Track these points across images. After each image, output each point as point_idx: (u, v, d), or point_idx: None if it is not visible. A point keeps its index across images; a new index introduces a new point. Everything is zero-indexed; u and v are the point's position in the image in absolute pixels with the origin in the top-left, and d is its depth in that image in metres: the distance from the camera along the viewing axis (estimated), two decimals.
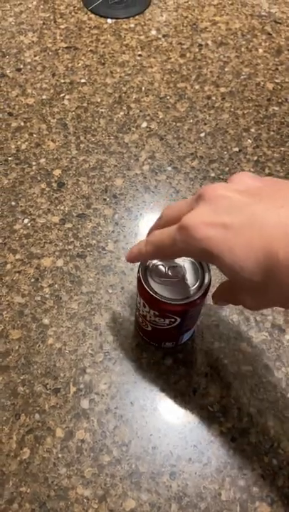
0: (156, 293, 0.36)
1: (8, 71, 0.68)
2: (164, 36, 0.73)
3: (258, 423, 0.41)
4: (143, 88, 0.66)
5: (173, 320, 0.38)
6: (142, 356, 0.45)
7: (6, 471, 0.39)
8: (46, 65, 0.69)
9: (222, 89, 0.66)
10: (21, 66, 0.68)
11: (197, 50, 0.71)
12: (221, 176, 0.57)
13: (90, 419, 0.41)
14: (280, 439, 0.41)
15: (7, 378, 0.43)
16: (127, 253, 0.36)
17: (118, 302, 0.47)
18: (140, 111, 0.63)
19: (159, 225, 0.34)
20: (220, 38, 0.73)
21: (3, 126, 0.62)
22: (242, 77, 0.68)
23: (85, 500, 0.38)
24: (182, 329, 0.41)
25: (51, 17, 0.75)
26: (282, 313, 0.47)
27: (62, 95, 0.65)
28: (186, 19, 0.75)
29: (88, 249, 0.51)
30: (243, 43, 0.72)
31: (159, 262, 0.38)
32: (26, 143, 0.60)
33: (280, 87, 0.67)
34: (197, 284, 0.37)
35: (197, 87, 0.66)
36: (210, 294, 0.37)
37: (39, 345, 0.45)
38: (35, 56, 0.70)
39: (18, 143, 0.60)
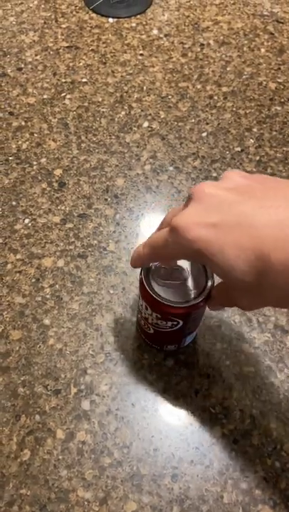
0: (158, 295, 0.36)
1: (9, 70, 0.67)
2: (165, 36, 0.73)
3: (261, 425, 0.41)
4: (144, 88, 0.66)
5: (175, 323, 0.38)
6: (144, 357, 0.44)
7: (6, 473, 0.38)
8: (47, 65, 0.68)
9: (224, 89, 0.66)
10: (22, 65, 0.68)
11: (199, 49, 0.71)
12: None
13: (90, 420, 0.41)
14: (283, 441, 0.40)
15: (7, 379, 0.43)
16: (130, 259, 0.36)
17: (119, 303, 0.47)
18: (142, 110, 0.63)
19: (159, 228, 0.34)
20: (222, 37, 0.73)
21: (4, 125, 0.61)
22: (244, 76, 0.67)
23: (86, 503, 0.37)
24: (185, 332, 0.40)
25: (52, 16, 0.75)
26: (285, 314, 0.47)
27: (63, 95, 0.65)
28: (188, 18, 0.75)
29: (89, 249, 0.51)
30: (245, 42, 0.72)
31: (162, 265, 0.38)
32: (27, 142, 0.60)
33: (282, 87, 0.66)
34: (200, 286, 0.36)
35: (199, 86, 0.66)
36: None
37: (40, 346, 0.44)
38: (36, 55, 0.69)
39: (19, 142, 0.60)
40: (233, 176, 0.29)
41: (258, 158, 0.59)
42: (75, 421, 0.41)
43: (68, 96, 0.64)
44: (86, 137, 0.60)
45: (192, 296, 0.36)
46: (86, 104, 0.64)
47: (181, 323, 0.38)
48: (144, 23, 0.74)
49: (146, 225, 0.53)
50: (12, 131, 0.61)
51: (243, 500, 0.38)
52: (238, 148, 0.59)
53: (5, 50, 0.70)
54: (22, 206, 0.54)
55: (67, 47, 0.71)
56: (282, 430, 0.41)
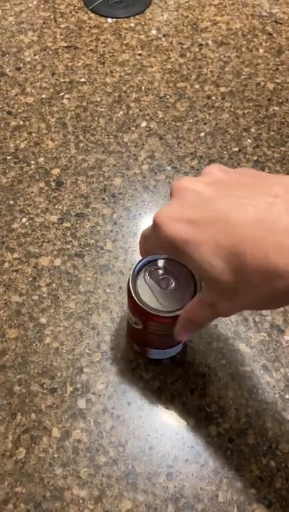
0: (140, 299, 0.35)
1: (7, 70, 0.68)
2: (164, 36, 0.73)
3: (256, 424, 0.41)
4: (143, 87, 0.66)
5: (141, 326, 0.37)
6: (140, 356, 0.44)
7: (1, 471, 0.39)
8: (46, 64, 0.68)
9: (222, 89, 0.66)
10: (21, 65, 0.68)
11: (197, 49, 0.71)
12: None
13: (86, 419, 0.41)
14: (278, 441, 0.40)
15: (3, 377, 0.43)
16: None
17: (116, 302, 0.47)
18: (140, 110, 0.63)
19: None
20: (220, 37, 0.73)
21: (2, 125, 0.61)
22: (242, 76, 0.68)
23: (81, 501, 0.37)
24: (152, 341, 0.40)
25: (51, 16, 0.75)
26: (282, 314, 0.47)
27: (61, 94, 0.65)
28: (187, 19, 0.75)
29: (86, 248, 0.51)
30: (244, 42, 0.72)
31: (152, 271, 0.37)
32: (25, 142, 0.60)
33: (280, 87, 0.66)
34: (184, 300, 0.35)
35: (197, 86, 0.66)
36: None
37: (36, 345, 0.45)
38: (35, 55, 0.70)
39: (17, 142, 0.60)
40: (213, 170, 0.29)
41: (255, 158, 0.59)
42: (70, 419, 0.41)
43: (67, 96, 0.65)
44: (84, 137, 0.60)
45: (170, 307, 0.35)
46: (84, 103, 0.64)
47: (148, 327, 0.37)
48: (143, 23, 0.75)
49: (144, 225, 0.53)
50: (10, 131, 0.61)
51: (238, 499, 0.38)
52: (236, 148, 0.60)
53: (4, 49, 0.70)
54: (19, 205, 0.54)
55: (66, 47, 0.71)
56: (278, 429, 0.41)
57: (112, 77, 0.67)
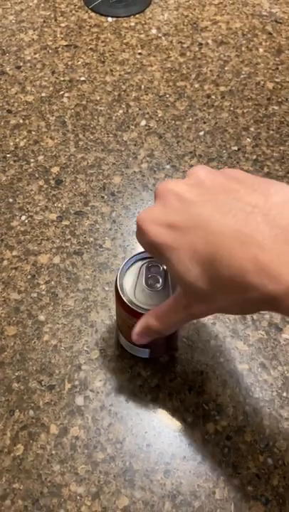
0: (127, 298, 0.36)
1: (7, 68, 0.68)
2: (164, 35, 0.73)
3: (254, 422, 0.41)
4: (142, 86, 0.66)
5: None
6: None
7: None
8: (46, 63, 0.69)
9: (222, 88, 0.66)
10: (21, 64, 0.68)
11: (197, 49, 0.71)
12: None
13: (84, 416, 0.41)
14: (276, 439, 0.40)
15: (2, 374, 0.43)
16: None
17: (114, 300, 0.47)
18: (139, 109, 0.63)
19: None
20: (220, 37, 0.73)
21: (2, 123, 0.62)
22: (242, 76, 0.68)
23: (78, 498, 0.38)
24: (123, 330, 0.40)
25: (52, 15, 0.75)
26: None
27: (61, 93, 0.65)
28: (187, 18, 0.75)
29: (85, 246, 0.51)
30: (244, 42, 0.72)
31: (145, 267, 0.38)
32: (25, 140, 0.60)
33: (280, 87, 0.66)
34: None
35: (197, 85, 0.66)
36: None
37: (34, 342, 0.45)
38: (35, 54, 0.70)
39: (17, 140, 0.60)
40: (199, 172, 0.28)
41: (254, 157, 0.59)
42: (68, 416, 0.41)
43: (66, 94, 0.65)
44: (84, 135, 0.60)
45: (147, 304, 0.36)
46: (84, 102, 0.64)
47: (122, 316, 0.38)
48: (143, 22, 0.75)
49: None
50: (10, 129, 0.61)
51: (235, 496, 0.38)
52: (235, 147, 0.60)
53: (4, 48, 0.70)
54: (19, 203, 0.54)
55: (66, 45, 0.71)
56: (275, 427, 0.41)
57: (112, 76, 0.67)
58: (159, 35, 0.73)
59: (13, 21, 0.74)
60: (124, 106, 0.64)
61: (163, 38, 0.72)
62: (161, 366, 0.44)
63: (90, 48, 0.71)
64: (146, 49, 0.71)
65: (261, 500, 0.38)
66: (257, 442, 0.40)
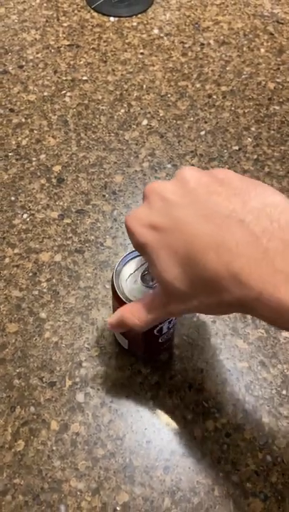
0: (123, 294, 0.37)
1: (10, 68, 0.68)
2: (166, 35, 0.73)
3: (253, 419, 0.41)
4: (144, 86, 0.66)
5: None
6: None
7: (0, 463, 0.39)
8: (48, 62, 0.69)
9: (223, 88, 0.66)
10: (23, 63, 0.69)
11: (199, 49, 0.71)
12: None
13: (85, 412, 0.41)
14: (275, 436, 0.41)
15: (3, 371, 0.43)
16: None
17: None
18: (141, 108, 0.64)
19: None
20: (222, 37, 0.73)
21: (5, 122, 0.62)
22: (243, 76, 0.68)
23: (79, 493, 0.38)
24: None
25: (54, 15, 0.76)
26: None
27: (63, 92, 0.65)
28: (189, 18, 0.76)
29: (86, 244, 0.51)
30: (245, 42, 0.72)
31: (135, 268, 0.38)
32: (27, 139, 0.60)
33: (281, 87, 0.67)
34: None
35: (198, 85, 0.67)
36: None
37: (36, 339, 0.45)
38: (37, 53, 0.70)
39: (19, 139, 0.60)
40: (185, 173, 0.28)
41: (255, 156, 0.59)
42: (69, 413, 0.41)
43: (68, 93, 0.65)
44: (85, 134, 0.61)
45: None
46: (86, 101, 0.64)
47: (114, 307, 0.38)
48: (145, 22, 0.75)
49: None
50: (12, 128, 0.61)
51: (234, 492, 0.38)
52: (236, 147, 0.60)
53: (6, 47, 0.71)
54: (21, 201, 0.54)
55: (68, 45, 0.71)
56: (274, 425, 0.41)
57: (114, 76, 0.67)
58: (161, 35, 0.73)
59: (16, 21, 0.74)
60: (125, 105, 0.64)
61: (165, 37, 0.73)
62: (161, 364, 0.44)
63: (92, 48, 0.71)
64: (148, 49, 0.71)
65: (260, 497, 0.38)
66: (256, 439, 0.40)
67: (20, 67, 0.68)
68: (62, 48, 0.71)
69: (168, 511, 0.37)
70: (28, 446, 0.40)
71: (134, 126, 0.62)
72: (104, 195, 0.55)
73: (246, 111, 0.64)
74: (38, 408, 0.41)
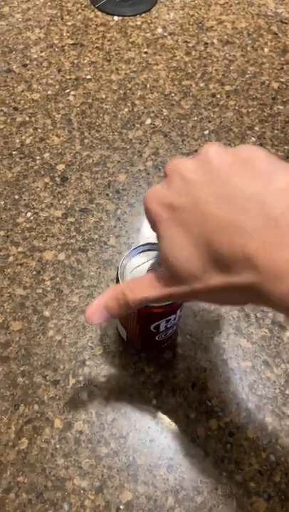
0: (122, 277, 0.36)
1: (14, 66, 0.68)
2: (170, 34, 0.73)
3: (256, 419, 0.41)
4: (148, 85, 0.66)
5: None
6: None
7: (3, 461, 0.39)
8: (52, 61, 0.69)
9: (227, 88, 0.66)
10: (27, 62, 0.69)
11: (203, 48, 0.71)
12: None
13: (88, 411, 0.41)
14: (278, 436, 0.41)
15: (7, 369, 0.43)
16: None
17: None
18: (145, 107, 0.64)
19: None
20: (226, 36, 0.73)
21: (9, 120, 0.62)
22: (247, 75, 0.68)
23: (82, 492, 0.38)
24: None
25: (58, 14, 0.76)
26: None
27: (67, 91, 0.65)
28: (193, 18, 0.76)
29: (90, 243, 0.51)
30: (249, 42, 0.72)
31: (140, 263, 0.38)
32: (31, 137, 0.60)
33: (285, 86, 0.67)
34: None
35: (202, 84, 0.66)
36: None
37: (39, 337, 0.45)
38: (41, 52, 0.70)
39: (23, 137, 0.60)
40: (209, 151, 0.27)
41: None
42: (72, 411, 0.41)
43: (72, 92, 0.65)
44: (89, 133, 0.61)
45: None
46: (90, 100, 0.64)
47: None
48: (149, 21, 0.75)
49: (147, 221, 0.53)
50: (16, 126, 0.61)
51: (237, 492, 0.38)
52: None
53: (11, 46, 0.71)
54: (24, 200, 0.55)
55: (72, 44, 0.71)
56: (278, 424, 0.41)
57: (118, 75, 0.67)
58: (165, 34, 0.73)
59: (20, 19, 0.75)
60: (129, 104, 0.64)
61: (169, 37, 0.73)
62: (164, 362, 0.44)
63: (96, 47, 0.71)
64: (151, 48, 0.71)
65: (263, 497, 0.38)
66: (259, 439, 0.40)
67: (25, 65, 0.68)
68: (66, 47, 0.71)
69: (171, 510, 0.37)
70: (31, 444, 0.40)
71: (138, 125, 0.62)
72: (107, 194, 0.55)
73: (250, 110, 0.64)
74: (42, 406, 0.41)
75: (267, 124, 0.62)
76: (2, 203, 0.54)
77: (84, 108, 0.63)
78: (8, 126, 0.61)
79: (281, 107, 0.64)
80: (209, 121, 0.62)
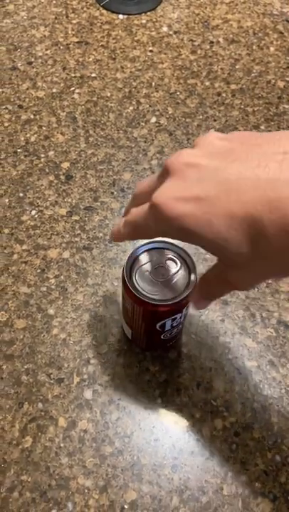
0: (136, 290, 0.36)
1: (19, 64, 0.68)
2: (175, 33, 0.73)
3: (262, 419, 0.41)
4: (153, 83, 0.66)
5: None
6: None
7: (7, 459, 0.39)
8: (57, 59, 0.69)
9: (232, 86, 0.66)
10: (32, 59, 0.69)
11: (208, 47, 0.71)
12: None
13: (92, 409, 0.41)
14: (284, 436, 0.40)
15: (11, 367, 0.43)
16: (110, 233, 0.34)
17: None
18: (150, 106, 0.63)
19: (133, 204, 0.31)
20: (231, 35, 0.73)
21: (13, 118, 0.62)
22: (253, 74, 0.68)
23: (86, 491, 0.38)
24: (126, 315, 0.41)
25: (63, 12, 0.76)
26: None
27: (72, 89, 0.65)
28: (198, 16, 0.75)
29: (95, 241, 0.51)
30: (255, 41, 0.72)
31: (152, 257, 0.38)
32: (35, 135, 0.60)
33: None
34: (176, 289, 0.36)
35: (207, 83, 0.66)
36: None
37: (44, 335, 0.45)
38: (46, 50, 0.70)
39: (28, 135, 0.60)
40: (210, 139, 0.26)
41: None
42: (77, 410, 0.41)
43: (77, 90, 0.65)
44: (94, 131, 0.61)
45: (159, 296, 0.36)
46: (95, 98, 0.64)
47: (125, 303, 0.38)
48: (154, 20, 0.75)
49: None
50: (21, 124, 0.61)
51: (242, 492, 0.38)
52: None
53: (16, 44, 0.71)
54: (29, 198, 0.54)
55: (77, 42, 0.71)
56: (283, 424, 0.41)
57: (123, 73, 0.67)
58: (170, 32, 0.73)
59: (25, 17, 0.74)
60: (134, 103, 0.64)
61: (174, 35, 0.72)
62: (169, 362, 0.44)
63: (101, 45, 0.71)
64: (157, 46, 0.71)
65: (269, 497, 0.38)
66: (265, 439, 0.40)
67: (30, 63, 0.68)
68: (71, 45, 0.71)
69: (176, 510, 0.37)
70: (35, 442, 0.40)
71: (143, 124, 0.62)
72: (112, 193, 0.55)
73: (256, 109, 0.63)
74: (46, 405, 0.41)
75: (273, 123, 0.62)
76: (7, 200, 0.54)
77: (89, 106, 0.63)
78: (13, 123, 0.61)
79: (287, 106, 0.64)
80: (215, 120, 0.62)
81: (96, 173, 0.57)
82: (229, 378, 0.43)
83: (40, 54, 0.69)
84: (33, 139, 0.60)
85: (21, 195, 0.55)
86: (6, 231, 0.52)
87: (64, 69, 0.67)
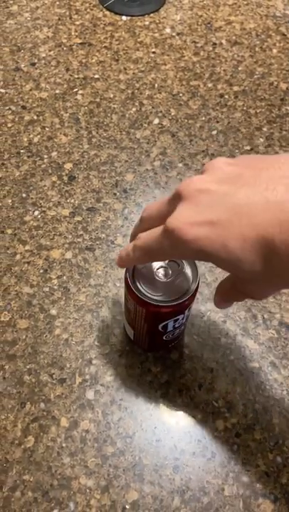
0: (139, 291, 0.36)
1: (22, 65, 0.68)
2: (178, 34, 0.73)
3: (263, 420, 0.41)
4: (156, 85, 0.66)
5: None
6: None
7: (9, 459, 0.39)
8: (60, 60, 0.69)
9: (235, 88, 0.66)
10: (36, 61, 0.69)
11: (211, 48, 0.71)
12: None
13: (94, 409, 0.41)
14: (285, 437, 0.40)
15: (14, 367, 0.43)
16: (116, 258, 0.35)
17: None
18: (152, 107, 0.64)
19: (142, 228, 0.33)
20: (234, 37, 0.73)
21: (17, 119, 0.62)
22: (255, 76, 0.68)
23: (88, 491, 0.38)
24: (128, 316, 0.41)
25: (67, 13, 0.76)
26: None
27: (75, 90, 0.65)
28: (201, 18, 0.76)
29: (97, 242, 0.51)
30: (258, 42, 0.72)
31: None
32: (38, 136, 0.60)
33: None
34: (180, 289, 0.36)
35: (210, 85, 0.66)
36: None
37: (46, 336, 0.45)
38: (49, 51, 0.70)
39: (31, 136, 0.60)
40: (218, 164, 0.27)
41: None
42: (79, 410, 0.41)
43: (80, 91, 0.65)
44: (97, 132, 0.61)
45: (162, 297, 0.36)
46: (98, 99, 0.64)
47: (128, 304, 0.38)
48: (158, 21, 0.75)
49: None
50: (24, 125, 0.61)
51: (243, 493, 0.38)
52: (248, 147, 0.60)
53: (19, 45, 0.71)
54: (32, 198, 0.55)
55: (80, 43, 0.71)
56: (285, 426, 0.41)
57: (126, 74, 0.67)
58: (173, 34, 0.73)
59: (29, 18, 0.75)
60: (137, 104, 0.64)
61: (177, 37, 0.73)
62: (171, 362, 0.44)
63: (104, 46, 0.71)
64: (160, 48, 0.71)
65: (270, 498, 0.38)
66: (266, 440, 0.40)
67: (33, 64, 0.68)
68: (74, 46, 0.71)
69: (177, 510, 0.37)
70: (37, 442, 0.40)
71: (146, 125, 0.62)
72: (115, 194, 0.55)
73: (258, 111, 0.64)
74: (48, 405, 0.41)
75: (275, 125, 0.62)
76: (10, 201, 0.54)
77: (92, 107, 0.63)
78: (16, 124, 0.61)
79: None
80: (217, 122, 0.62)
81: (99, 174, 0.57)
82: (231, 379, 0.43)
83: (44, 55, 0.70)
84: (36, 139, 0.60)
85: (24, 195, 0.55)
86: (9, 231, 0.52)
87: (67, 70, 0.68)
